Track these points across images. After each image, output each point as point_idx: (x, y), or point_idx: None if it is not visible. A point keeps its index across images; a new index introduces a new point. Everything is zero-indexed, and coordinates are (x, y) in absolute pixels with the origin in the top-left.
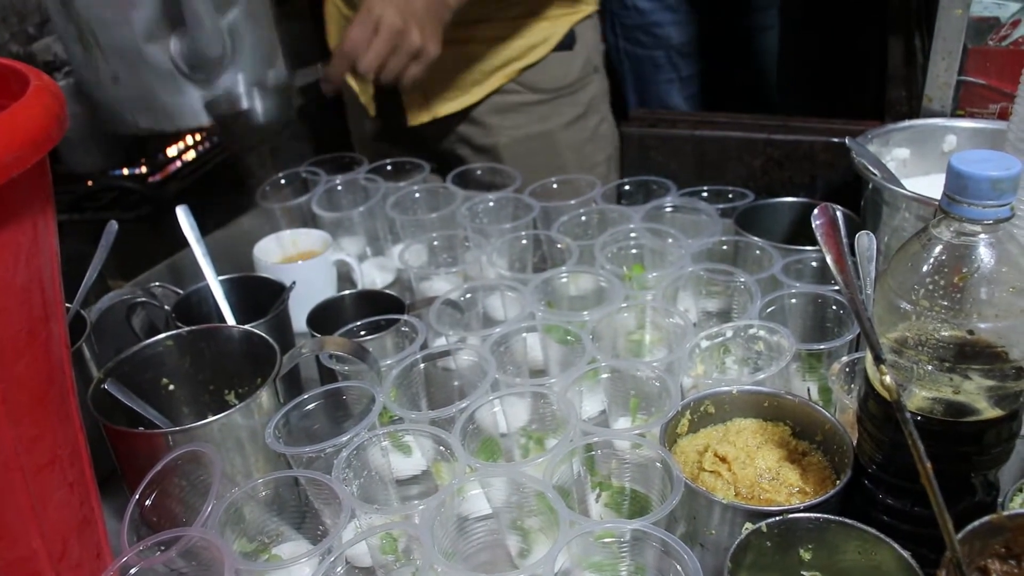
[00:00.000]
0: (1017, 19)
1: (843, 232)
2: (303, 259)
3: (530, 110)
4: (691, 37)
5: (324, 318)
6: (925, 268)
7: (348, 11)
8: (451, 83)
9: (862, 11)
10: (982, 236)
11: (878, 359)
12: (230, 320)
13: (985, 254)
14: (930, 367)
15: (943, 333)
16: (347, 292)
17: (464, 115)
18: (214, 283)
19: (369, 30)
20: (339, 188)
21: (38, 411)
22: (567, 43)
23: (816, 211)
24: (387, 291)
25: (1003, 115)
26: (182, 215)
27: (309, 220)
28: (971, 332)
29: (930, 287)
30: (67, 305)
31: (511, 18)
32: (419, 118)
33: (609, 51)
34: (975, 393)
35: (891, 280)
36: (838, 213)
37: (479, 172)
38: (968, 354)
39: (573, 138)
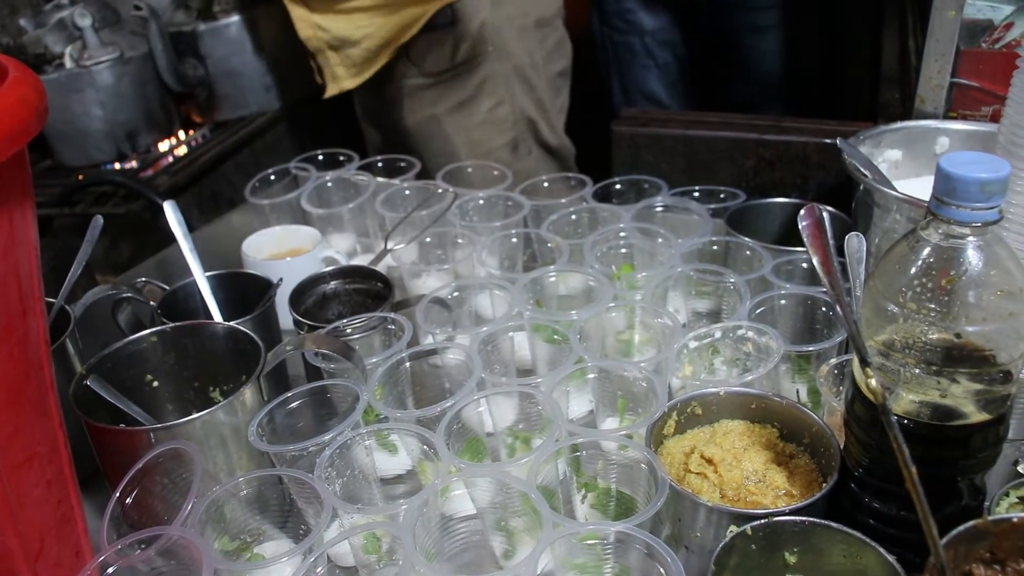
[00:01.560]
0: (1010, 22)
1: (830, 233)
2: (292, 256)
3: (421, 94)
4: (665, 25)
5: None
6: (913, 270)
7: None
8: (350, 59)
9: (857, 12)
10: (970, 239)
11: (864, 361)
12: (216, 316)
13: (973, 257)
14: (917, 370)
15: (930, 336)
16: (329, 269)
17: (382, 100)
18: (201, 279)
19: None
20: (329, 184)
21: (14, 407)
22: (444, 21)
23: (803, 212)
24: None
25: (995, 117)
26: (169, 211)
27: (299, 216)
28: (958, 335)
29: (918, 290)
30: (51, 300)
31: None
32: (331, 90)
33: (594, 37)
34: (962, 397)
35: (879, 282)
36: (824, 214)
37: (469, 170)
38: (955, 357)
39: (461, 123)
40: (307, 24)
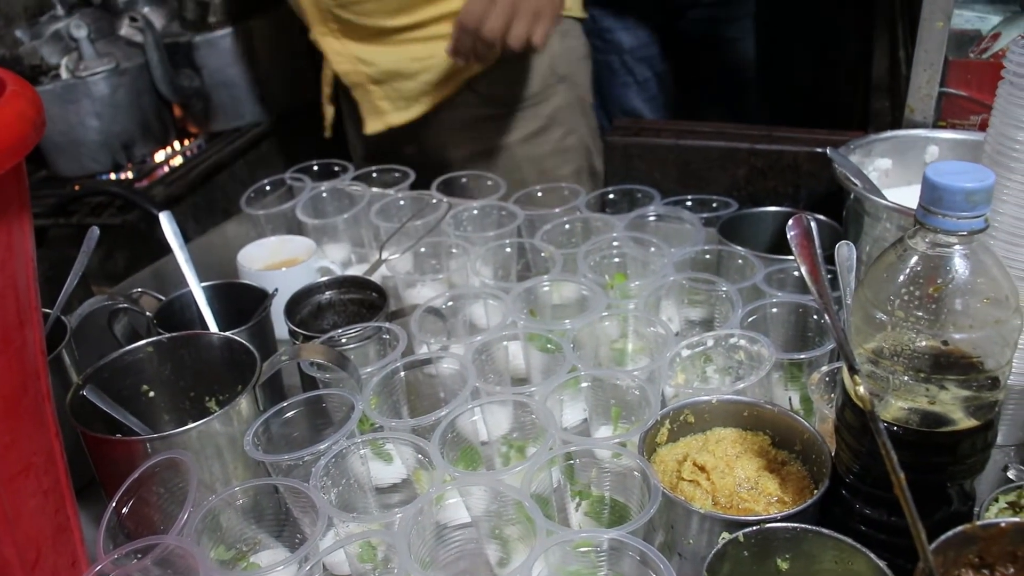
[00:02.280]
0: (997, 32)
1: (817, 242)
2: (287, 266)
3: (487, 124)
4: (643, 42)
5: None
6: (901, 279)
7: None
8: (399, 93)
9: (849, 22)
10: (957, 247)
11: (852, 369)
12: (212, 327)
13: (960, 265)
14: (906, 377)
15: (918, 344)
16: (325, 279)
17: (429, 128)
18: (197, 290)
19: (486, 2)
20: (324, 195)
21: (11, 418)
22: (517, 52)
23: (791, 222)
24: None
25: (984, 126)
26: (165, 221)
27: (294, 227)
28: (946, 343)
29: (905, 298)
30: (47, 311)
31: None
32: (373, 126)
33: None
34: (951, 403)
35: (867, 291)
36: (812, 223)
37: (464, 180)
38: (943, 364)
39: (532, 152)
40: (345, 58)
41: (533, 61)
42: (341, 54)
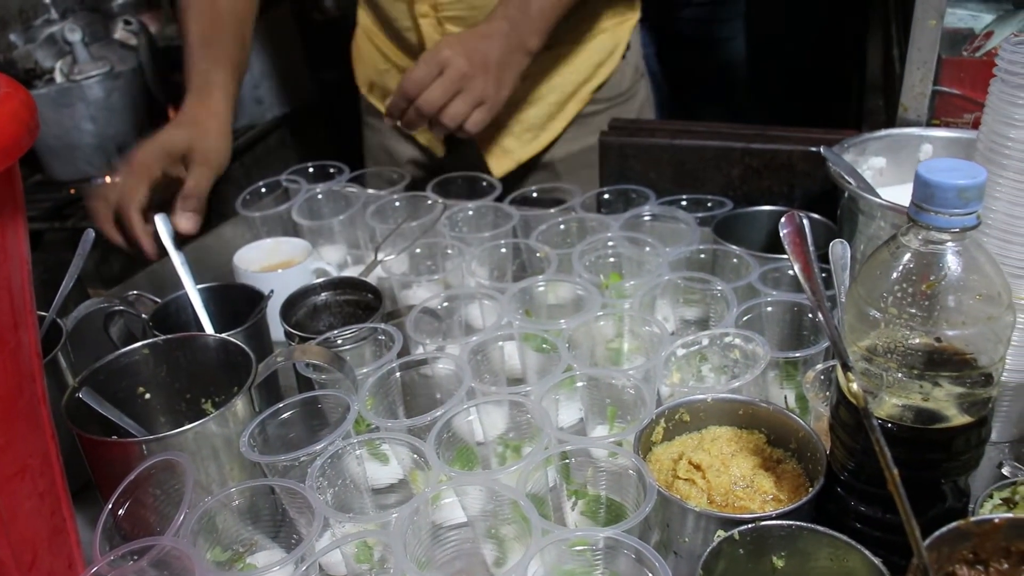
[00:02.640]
0: (990, 31)
1: (810, 240)
2: (283, 268)
3: (587, 122)
4: (642, 41)
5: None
6: (894, 276)
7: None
8: (527, 124)
9: (844, 21)
10: (949, 244)
11: (846, 366)
12: (208, 329)
13: (952, 262)
14: (900, 374)
15: (912, 341)
16: (320, 280)
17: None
18: (192, 292)
19: (433, 71)
20: (319, 197)
21: (7, 420)
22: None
23: (783, 219)
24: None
25: (977, 124)
26: (160, 223)
27: (289, 228)
28: (939, 339)
29: (899, 295)
30: (42, 314)
31: (568, 41)
32: (502, 166)
33: None
34: (944, 400)
35: (861, 288)
36: (805, 221)
37: (459, 181)
38: (937, 361)
39: None
40: None
41: (628, 58)
42: None
